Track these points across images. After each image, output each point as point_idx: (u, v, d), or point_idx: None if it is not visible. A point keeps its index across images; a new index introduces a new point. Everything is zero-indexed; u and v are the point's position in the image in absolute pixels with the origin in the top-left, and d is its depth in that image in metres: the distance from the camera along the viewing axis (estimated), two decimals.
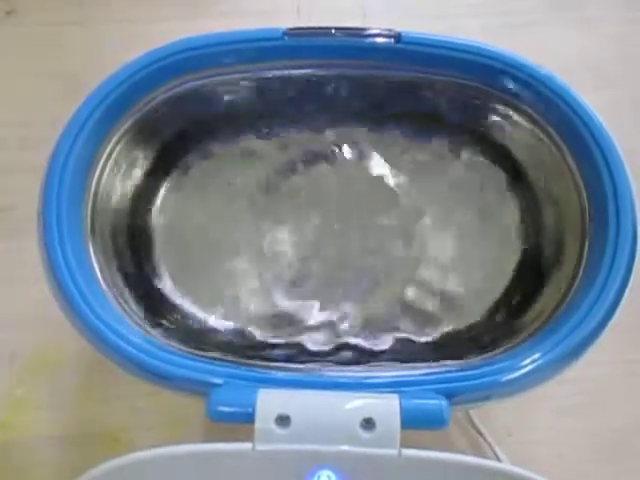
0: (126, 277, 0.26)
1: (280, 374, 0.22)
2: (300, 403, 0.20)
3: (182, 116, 0.27)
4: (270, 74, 0.26)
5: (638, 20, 0.36)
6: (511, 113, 0.26)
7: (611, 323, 0.22)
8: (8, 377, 0.30)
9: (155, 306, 0.26)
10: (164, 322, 0.26)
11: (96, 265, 0.24)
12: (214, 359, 0.23)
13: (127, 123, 0.26)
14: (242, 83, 0.27)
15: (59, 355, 0.30)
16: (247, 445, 0.20)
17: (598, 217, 0.24)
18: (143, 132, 0.27)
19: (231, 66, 0.26)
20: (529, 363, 0.22)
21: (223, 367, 0.22)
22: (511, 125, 0.27)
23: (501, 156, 0.28)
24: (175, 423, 0.29)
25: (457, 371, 0.22)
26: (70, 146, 0.24)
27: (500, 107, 0.26)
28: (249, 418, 0.20)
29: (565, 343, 0.22)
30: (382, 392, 0.21)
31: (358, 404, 0.20)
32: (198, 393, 0.22)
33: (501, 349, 0.24)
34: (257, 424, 0.20)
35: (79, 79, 0.34)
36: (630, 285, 0.22)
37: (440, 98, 0.27)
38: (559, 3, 0.37)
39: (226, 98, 0.27)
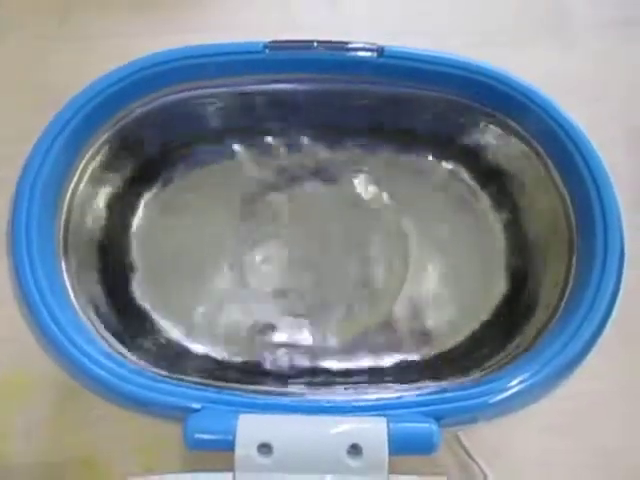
0: (101, 297, 0.25)
1: (262, 398, 0.22)
2: (282, 430, 0.19)
3: (161, 130, 0.27)
4: (251, 88, 0.26)
5: (621, 38, 0.37)
6: (496, 127, 0.26)
7: (600, 340, 0.22)
8: None
9: (131, 327, 0.25)
10: (141, 344, 0.25)
11: (69, 285, 0.24)
12: (192, 383, 0.22)
13: (103, 137, 0.25)
14: (223, 97, 0.26)
15: (31, 378, 0.29)
16: (227, 475, 0.19)
17: (585, 231, 0.23)
18: (120, 146, 0.26)
19: (211, 79, 0.25)
20: (518, 383, 0.21)
21: (201, 391, 0.21)
22: (496, 139, 0.26)
23: (486, 170, 0.27)
24: (153, 448, 0.28)
25: (445, 392, 0.22)
26: (41, 160, 0.23)
27: (485, 121, 0.26)
28: (229, 446, 0.19)
29: (554, 362, 0.21)
30: (369, 415, 0.20)
31: (344, 430, 0.20)
32: (176, 419, 0.21)
33: (489, 369, 0.23)
34: (237, 453, 0.19)
35: (59, 94, 0.33)
36: (618, 302, 0.22)
37: (424, 112, 0.27)
38: (542, 21, 0.37)
39: (207, 112, 0.27)
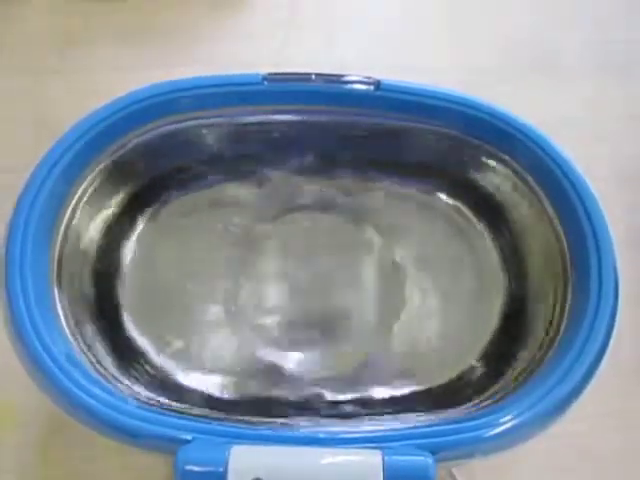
0: (94, 325, 0.25)
1: (254, 429, 0.21)
2: (275, 463, 0.19)
3: (157, 160, 0.27)
4: (249, 119, 0.26)
5: (609, 79, 0.38)
6: (491, 161, 0.26)
7: (597, 374, 0.22)
8: None
9: (124, 356, 0.25)
10: (133, 373, 0.25)
11: (61, 313, 0.23)
12: (184, 413, 0.22)
13: (100, 166, 0.25)
14: (220, 128, 0.27)
15: (19, 411, 0.28)
16: None
17: (579, 265, 0.23)
18: (117, 175, 0.26)
19: (209, 110, 0.26)
20: (514, 417, 0.21)
21: (193, 422, 0.21)
22: (492, 173, 0.27)
23: (482, 203, 0.28)
24: None
25: (440, 425, 0.21)
26: (38, 189, 0.23)
27: (480, 155, 0.26)
28: (221, 479, 0.19)
29: (551, 396, 0.21)
30: (363, 448, 0.20)
31: (337, 462, 0.19)
32: (167, 451, 0.20)
33: (485, 403, 0.23)
34: None
35: (57, 124, 0.33)
36: (614, 336, 0.22)
37: (420, 145, 0.27)
38: (538, 61, 0.38)
39: (203, 142, 0.27)
